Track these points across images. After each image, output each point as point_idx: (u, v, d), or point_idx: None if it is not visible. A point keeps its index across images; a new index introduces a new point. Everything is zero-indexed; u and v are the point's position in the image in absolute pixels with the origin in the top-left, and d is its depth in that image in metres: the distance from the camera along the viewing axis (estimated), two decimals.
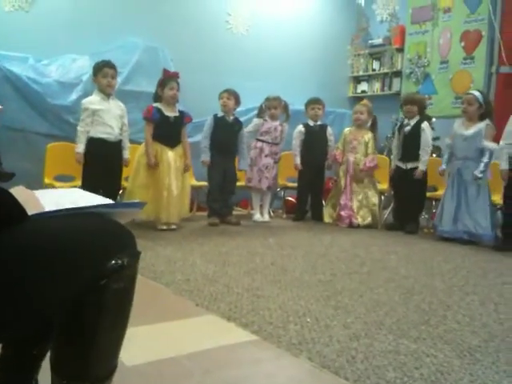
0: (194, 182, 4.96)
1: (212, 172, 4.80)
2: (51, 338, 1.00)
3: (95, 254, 0.90)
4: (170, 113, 4.34)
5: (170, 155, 4.28)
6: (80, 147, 4.10)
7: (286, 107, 5.10)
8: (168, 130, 4.31)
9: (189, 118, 4.48)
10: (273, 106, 5.01)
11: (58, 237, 0.88)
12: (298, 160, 5.27)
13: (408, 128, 4.86)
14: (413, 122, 4.84)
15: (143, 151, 4.30)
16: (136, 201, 1.01)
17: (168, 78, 4.31)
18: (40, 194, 1.09)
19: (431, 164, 4.96)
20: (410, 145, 4.81)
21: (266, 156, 5.01)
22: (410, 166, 4.82)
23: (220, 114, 4.81)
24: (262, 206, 5.19)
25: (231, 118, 4.84)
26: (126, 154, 4.31)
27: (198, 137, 5.06)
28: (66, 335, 0.95)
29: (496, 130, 4.36)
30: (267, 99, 5.03)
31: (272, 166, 5.03)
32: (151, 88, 4.50)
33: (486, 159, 4.26)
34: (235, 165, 4.97)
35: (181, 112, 4.41)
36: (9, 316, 0.85)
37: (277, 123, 5.04)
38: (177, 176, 4.27)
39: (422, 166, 4.73)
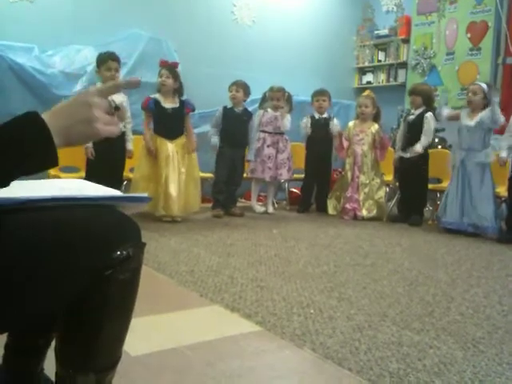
0: (199, 174, 4.95)
1: (219, 164, 4.81)
2: (56, 328, 1.00)
3: (100, 244, 0.90)
4: (169, 104, 4.31)
5: (170, 147, 4.24)
6: None
7: (289, 99, 5.10)
8: (166, 122, 4.28)
9: (189, 109, 4.40)
10: (276, 97, 5.00)
11: (62, 228, 0.88)
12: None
13: (412, 117, 4.85)
14: (417, 111, 4.83)
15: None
16: (143, 195, 1.01)
17: (160, 67, 4.32)
18: (45, 182, 1.10)
19: (436, 156, 4.94)
20: (413, 134, 4.80)
21: (268, 146, 5.01)
22: (410, 155, 4.81)
23: (229, 105, 4.81)
24: (266, 198, 5.21)
25: (240, 109, 4.83)
26: (130, 146, 4.30)
27: (204, 128, 5.08)
28: (70, 326, 0.96)
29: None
30: (271, 89, 5.03)
31: (275, 155, 5.02)
32: (155, 79, 4.49)
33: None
34: (244, 156, 4.97)
35: (181, 102, 4.36)
36: (12, 312, 0.86)
37: (278, 113, 5.03)
38: (175, 169, 4.22)
39: (418, 147, 4.70)
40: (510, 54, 5.55)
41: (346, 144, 5.12)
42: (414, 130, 4.79)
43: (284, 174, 5.09)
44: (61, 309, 0.94)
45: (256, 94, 5.28)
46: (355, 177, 5.03)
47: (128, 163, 4.42)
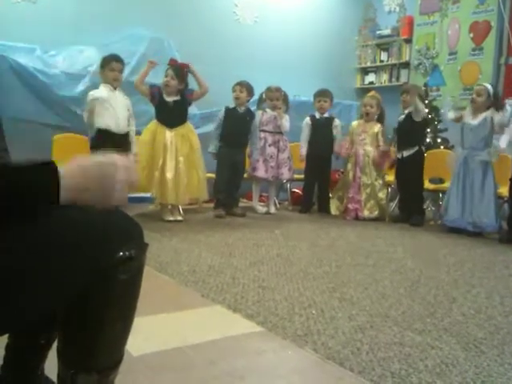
0: (204, 168, 4.90)
1: (220, 164, 4.80)
2: (58, 328, 1.00)
3: (103, 245, 0.90)
4: (171, 98, 4.33)
5: (168, 135, 4.25)
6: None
7: (285, 99, 5.12)
8: (168, 112, 4.30)
9: (190, 95, 4.42)
10: (275, 98, 5.01)
11: (64, 227, 0.88)
12: (303, 151, 5.27)
13: (402, 117, 4.86)
14: (407, 111, 4.83)
15: (145, 130, 4.32)
16: (146, 195, 1.01)
17: (168, 65, 4.34)
18: None
19: (438, 156, 4.94)
20: (403, 133, 4.82)
21: (269, 146, 5.02)
22: (405, 154, 4.82)
23: (232, 105, 4.82)
24: (268, 198, 5.21)
25: (242, 109, 4.83)
26: (135, 148, 4.30)
27: (206, 128, 5.06)
28: (73, 326, 0.96)
29: None
30: (268, 89, 5.04)
31: (276, 154, 5.03)
32: (156, 79, 4.49)
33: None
34: (245, 157, 4.95)
35: (182, 94, 4.37)
36: (14, 312, 0.86)
37: (276, 113, 5.03)
38: (172, 157, 4.21)
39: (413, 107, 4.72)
40: None
41: (347, 145, 5.12)
42: (403, 130, 4.81)
43: (285, 174, 5.10)
44: (62, 308, 0.94)
45: (258, 94, 5.28)
46: (357, 177, 5.02)
47: None
